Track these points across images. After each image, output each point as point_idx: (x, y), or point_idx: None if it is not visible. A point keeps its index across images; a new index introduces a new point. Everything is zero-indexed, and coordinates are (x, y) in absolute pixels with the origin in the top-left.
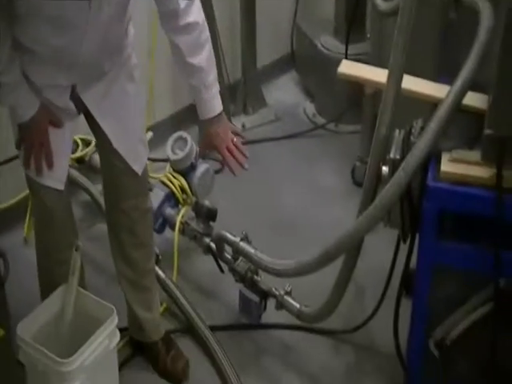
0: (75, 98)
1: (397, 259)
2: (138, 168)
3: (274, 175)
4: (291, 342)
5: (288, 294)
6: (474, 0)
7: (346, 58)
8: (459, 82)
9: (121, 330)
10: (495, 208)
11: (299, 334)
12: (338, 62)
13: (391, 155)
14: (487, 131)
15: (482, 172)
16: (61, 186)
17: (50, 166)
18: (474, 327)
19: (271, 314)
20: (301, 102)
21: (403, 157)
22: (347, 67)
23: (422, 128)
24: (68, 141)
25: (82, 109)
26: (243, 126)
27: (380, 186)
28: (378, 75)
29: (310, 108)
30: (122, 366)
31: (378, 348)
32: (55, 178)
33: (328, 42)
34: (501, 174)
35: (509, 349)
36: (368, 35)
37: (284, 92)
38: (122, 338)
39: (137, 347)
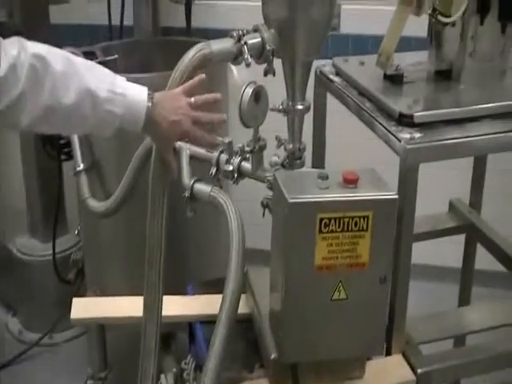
0: None
1: None
2: None
3: None
4: None
5: None
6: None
7: (54, 258)
8: (228, 301)
9: None
10: None
11: None
12: (40, 266)
13: None
14: (274, 356)
15: None
16: None
17: None
18: None
19: None
20: (1, 317)
21: None
22: (82, 309)
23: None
24: None
25: None
26: None
27: None
28: (129, 306)
29: (14, 323)
30: None
31: None
32: None
33: (25, 245)
34: None
35: None
36: (76, 231)
37: None
38: None
39: None
